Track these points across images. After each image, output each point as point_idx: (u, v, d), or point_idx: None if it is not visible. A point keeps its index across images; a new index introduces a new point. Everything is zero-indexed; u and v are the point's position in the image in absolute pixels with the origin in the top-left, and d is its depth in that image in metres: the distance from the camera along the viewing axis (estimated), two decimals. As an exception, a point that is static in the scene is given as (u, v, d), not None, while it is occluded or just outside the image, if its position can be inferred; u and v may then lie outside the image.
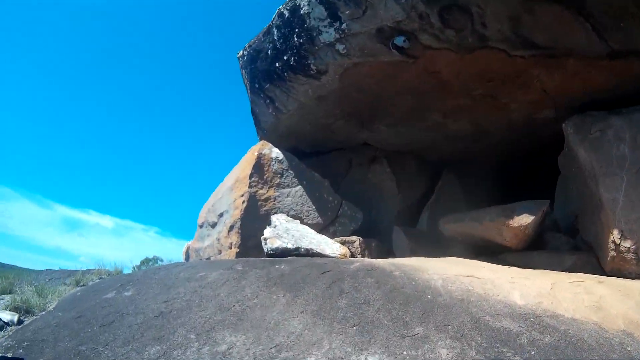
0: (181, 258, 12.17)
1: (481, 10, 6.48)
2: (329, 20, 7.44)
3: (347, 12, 7.18)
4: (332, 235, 9.11)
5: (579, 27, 6.35)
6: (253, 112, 10.42)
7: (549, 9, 6.23)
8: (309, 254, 7.43)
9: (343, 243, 8.60)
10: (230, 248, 9.07)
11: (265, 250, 7.56)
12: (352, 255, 8.32)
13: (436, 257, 7.42)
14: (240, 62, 9.88)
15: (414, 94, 8.37)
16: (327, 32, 7.54)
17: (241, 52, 9.70)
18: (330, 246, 7.89)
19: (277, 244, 7.48)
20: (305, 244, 7.62)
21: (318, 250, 7.57)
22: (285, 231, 7.98)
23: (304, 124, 9.72)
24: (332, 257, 7.49)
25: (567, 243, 7.79)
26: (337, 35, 7.45)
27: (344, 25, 7.31)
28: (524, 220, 7.26)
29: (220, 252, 9.45)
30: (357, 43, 7.41)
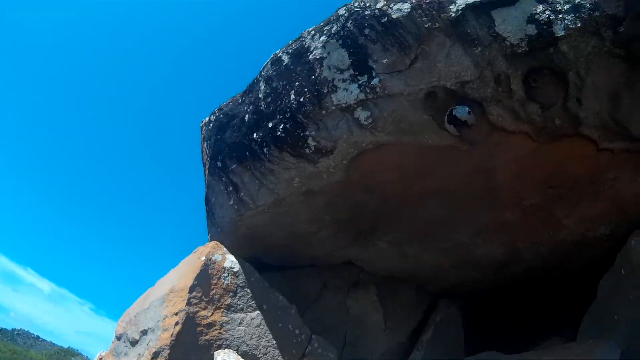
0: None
1: (580, 80, 4.64)
2: (352, 71, 4.87)
3: (385, 60, 4.73)
4: None
5: None
6: (207, 201, 7.41)
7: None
8: None
9: None
10: (153, 384, 6.24)
11: None
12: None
13: None
14: (203, 131, 7.06)
15: (445, 201, 5.96)
16: (345, 89, 4.91)
17: (207, 118, 6.94)
18: None
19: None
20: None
21: None
22: (236, 388, 5.15)
23: (276, 228, 6.84)
24: None
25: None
26: (362, 96, 4.84)
27: (375, 81, 4.76)
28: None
29: (138, 384, 6.58)
30: (392, 111, 4.85)
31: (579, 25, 4.42)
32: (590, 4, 4.43)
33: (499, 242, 6.73)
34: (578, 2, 4.46)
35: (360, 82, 4.82)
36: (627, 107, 4.83)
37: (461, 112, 4.65)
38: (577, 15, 4.45)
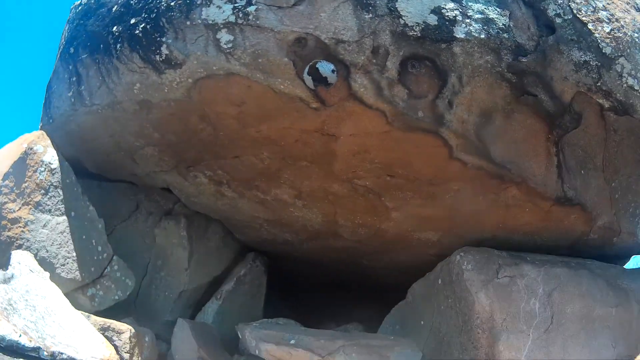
0: None
1: (459, 85, 4.54)
2: (233, -8, 4.43)
3: (270, -9, 4.34)
4: (90, 302, 5.91)
5: (544, 157, 5.12)
6: (49, 87, 6.58)
7: (528, 122, 4.94)
8: None
9: (105, 330, 5.27)
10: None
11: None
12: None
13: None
14: (71, 14, 6.20)
15: (277, 153, 5.51)
16: (219, 7, 4.38)
17: (80, 0, 6.14)
18: (88, 342, 4.52)
19: (2, 329, 3.88)
20: (49, 335, 4.18)
21: (69, 354, 4.11)
22: (23, 295, 4.54)
23: (104, 132, 6.22)
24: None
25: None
26: (232, 19, 4.35)
27: (251, 8, 4.29)
28: (401, 376, 5.02)
29: None
30: (256, 43, 4.40)
31: (482, 36, 4.31)
32: (503, 24, 4.39)
33: (320, 211, 6.37)
34: (491, 17, 4.38)
35: (236, 5, 4.33)
36: (495, 129, 4.79)
37: (325, 67, 4.27)
38: (485, 28, 4.36)
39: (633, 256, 7.50)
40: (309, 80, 4.36)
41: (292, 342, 5.33)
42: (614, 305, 5.74)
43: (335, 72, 4.31)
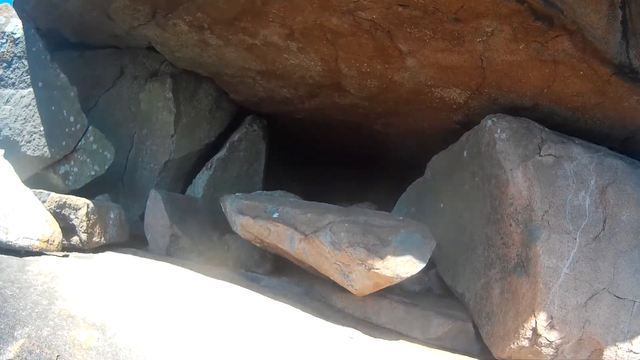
0: None
1: None
2: None
3: None
4: (63, 180, 5.24)
5: (606, 6, 3.88)
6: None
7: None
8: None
9: (60, 208, 4.40)
10: None
11: None
12: (73, 236, 4.41)
13: (213, 262, 4.76)
14: None
15: None
16: None
17: None
18: (26, 222, 3.82)
19: None
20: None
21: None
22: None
23: None
24: (18, 247, 3.69)
25: (419, 282, 4.95)
26: None
27: None
28: (405, 269, 3.81)
29: None
30: None
31: None
32: None
33: (318, 56, 5.16)
34: None
35: None
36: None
37: None
38: None
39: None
40: None
41: (275, 215, 4.32)
42: (678, 226, 4.18)
43: None
